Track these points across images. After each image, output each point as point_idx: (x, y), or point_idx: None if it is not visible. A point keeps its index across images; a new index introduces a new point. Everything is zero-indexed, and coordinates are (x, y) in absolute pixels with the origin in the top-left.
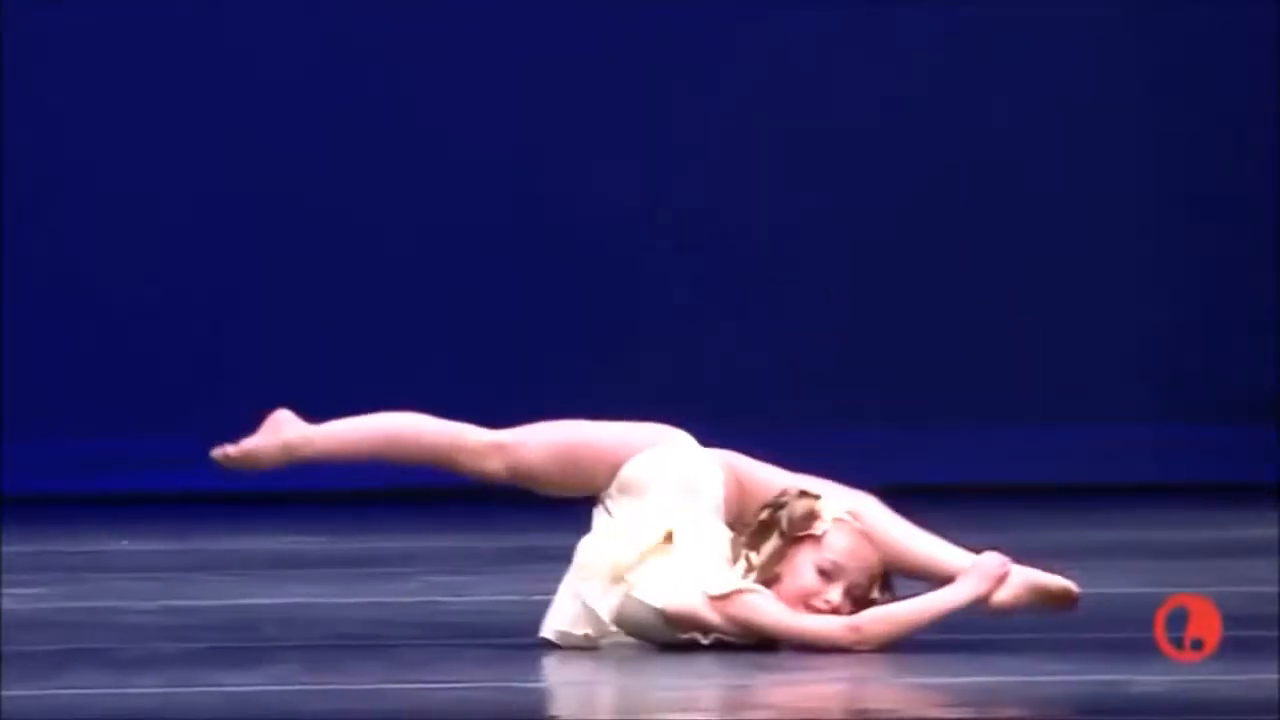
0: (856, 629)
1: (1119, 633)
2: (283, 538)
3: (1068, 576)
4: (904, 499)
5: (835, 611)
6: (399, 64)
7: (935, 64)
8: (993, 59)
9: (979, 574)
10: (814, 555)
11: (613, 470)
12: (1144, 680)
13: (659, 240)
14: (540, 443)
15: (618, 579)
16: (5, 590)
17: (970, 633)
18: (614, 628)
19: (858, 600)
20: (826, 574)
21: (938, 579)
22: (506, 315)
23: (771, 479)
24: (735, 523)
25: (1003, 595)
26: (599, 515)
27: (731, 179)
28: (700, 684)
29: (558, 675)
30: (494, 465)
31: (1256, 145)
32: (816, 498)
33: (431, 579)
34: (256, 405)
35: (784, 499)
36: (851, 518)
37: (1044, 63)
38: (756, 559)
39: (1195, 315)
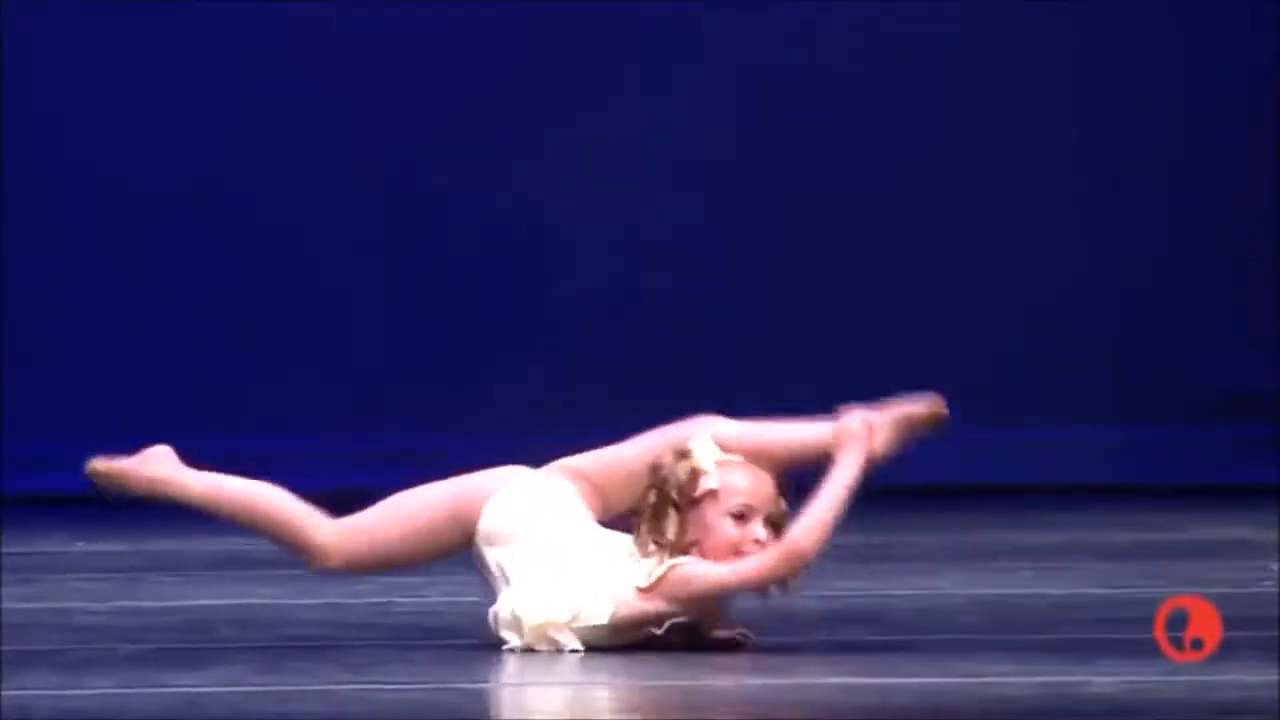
0: (793, 551)
1: (1084, 634)
2: (234, 539)
3: (1024, 576)
4: (899, 500)
5: (764, 547)
6: (400, 68)
7: (939, 60)
8: (997, 55)
9: (851, 440)
10: (719, 506)
11: (465, 529)
12: (1099, 681)
13: (662, 240)
14: (375, 529)
15: (564, 629)
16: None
17: (923, 633)
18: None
19: (775, 524)
20: (741, 517)
21: (813, 457)
22: (501, 315)
23: (613, 456)
24: (607, 515)
25: (880, 444)
26: (492, 579)
27: (731, 176)
28: (650, 684)
29: (507, 676)
30: (334, 564)
31: (1254, 146)
32: (688, 454)
33: (383, 579)
34: (252, 406)
35: (662, 470)
36: (724, 452)
37: (1040, 63)
38: (668, 537)
39: (1196, 316)
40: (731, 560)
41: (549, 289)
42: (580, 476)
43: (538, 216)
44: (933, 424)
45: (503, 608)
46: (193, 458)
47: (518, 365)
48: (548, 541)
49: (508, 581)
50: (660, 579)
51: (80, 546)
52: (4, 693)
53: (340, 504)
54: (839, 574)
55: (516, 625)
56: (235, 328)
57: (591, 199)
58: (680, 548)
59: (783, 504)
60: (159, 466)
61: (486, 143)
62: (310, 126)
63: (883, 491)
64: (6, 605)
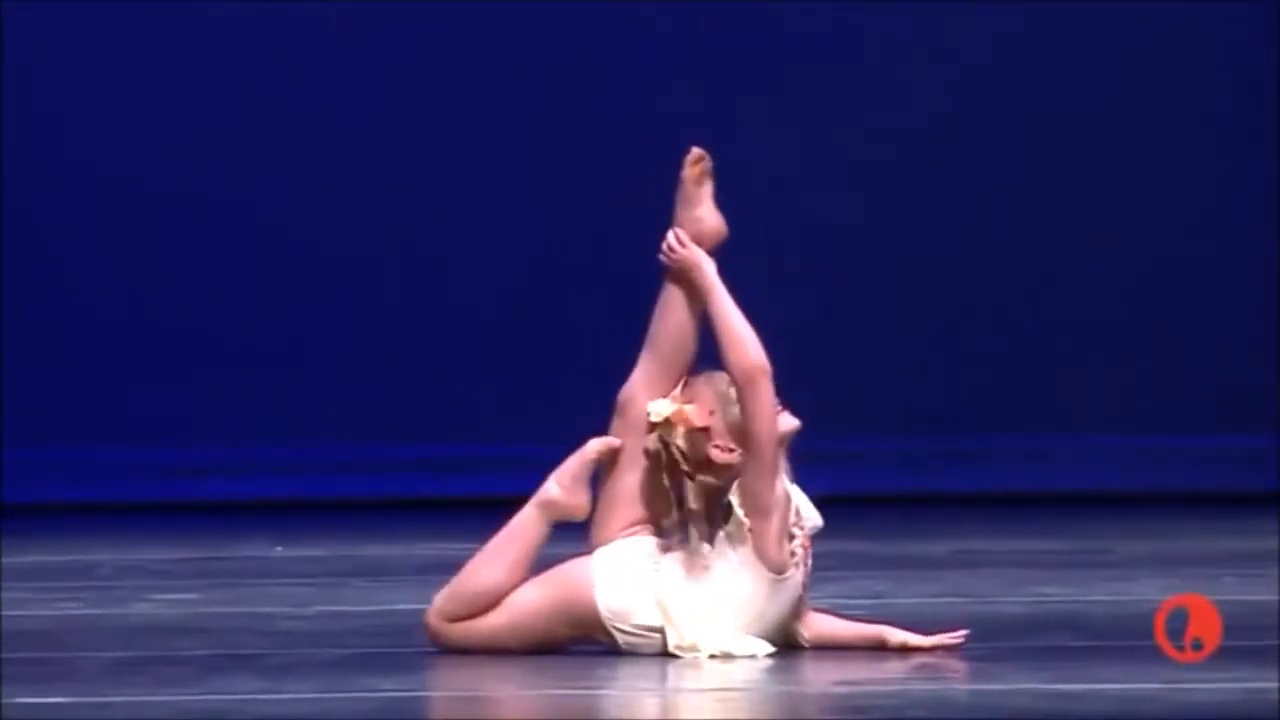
0: (755, 370)
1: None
2: (436, 544)
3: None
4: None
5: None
6: (408, 67)
7: (1014, 63)
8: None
9: (694, 271)
10: (711, 441)
11: (583, 625)
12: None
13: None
14: (491, 637)
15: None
16: (154, 596)
17: (1122, 638)
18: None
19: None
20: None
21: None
22: (505, 319)
23: (611, 494)
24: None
25: (706, 233)
26: (637, 639)
27: (797, 184)
28: (852, 689)
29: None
30: (439, 645)
31: (1256, 155)
32: (668, 423)
33: None
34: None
35: (657, 450)
36: (680, 389)
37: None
38: (692, 505)
39: (1206, 324)
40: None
41: (592, 295)
42: (621, 528)
43: (582, 218)
44: (700, 169)
45: (681, 648)
46: (203, 465)
47: (549, 373)
48: (671, 582)
49: (668, 626)
50: (752, 522)
51: (279, 551)
52: (204, 697)
53: (496, 509)
54: (1039, 580)
55: (697, 650)
56: (243, 332)
57: (642, 204)
58: (706, 494)
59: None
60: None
61: (507, 144)
62: (317, 126)
63: (1084, 499)
64: (208, 609)
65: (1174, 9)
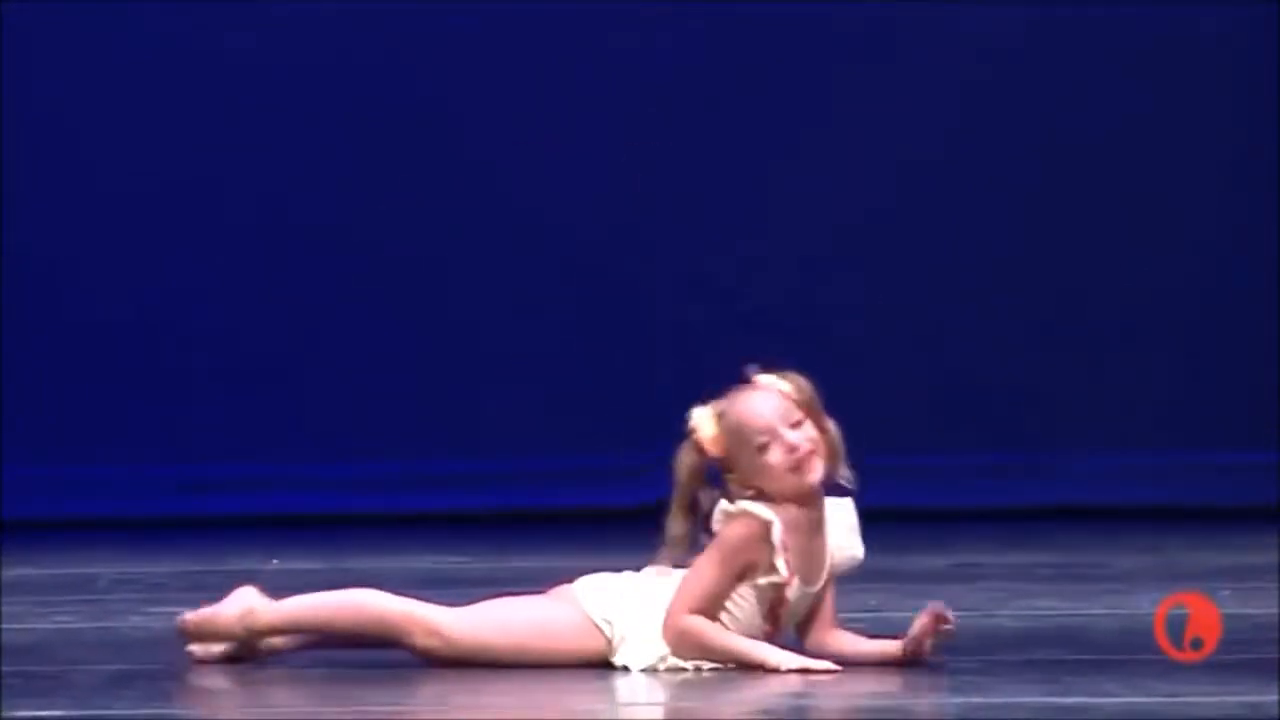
0: (670, 626)
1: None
2: (430, 557)
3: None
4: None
5: (816, 444)
6: (411, 67)
7: (1035, 74)
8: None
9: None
10: (749, 450)
11: (576, 630)
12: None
13: (759, 266)
14: (487, 646)
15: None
16: (156, 609)
17: (1123, 653)
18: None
19: (809, 408)
20: (766, 446)
21: None
22: (511, 335)
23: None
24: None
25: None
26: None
27: (831, 192)
28: (851, 703)
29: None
30: (441, 651)
31: (1258, 170)
32: (691, 434)
33: None
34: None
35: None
36: (717, 411)
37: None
38: (672, 532)
39: (1206, 338)
40: (789, 477)
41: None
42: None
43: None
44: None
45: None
46: (209, 478)
47: (568, 393)
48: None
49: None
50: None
51: (275, 564)
52: (202, 711)
53: (487, 525)
54: (1039, 594)
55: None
56: (241, 347)
57: (680, 222)
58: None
59: (801, 385)
60: (245, 600)
61: (517, 156)
62: (322, 139)
63: (1079, 512)
64: None
65: (1194, 20)
